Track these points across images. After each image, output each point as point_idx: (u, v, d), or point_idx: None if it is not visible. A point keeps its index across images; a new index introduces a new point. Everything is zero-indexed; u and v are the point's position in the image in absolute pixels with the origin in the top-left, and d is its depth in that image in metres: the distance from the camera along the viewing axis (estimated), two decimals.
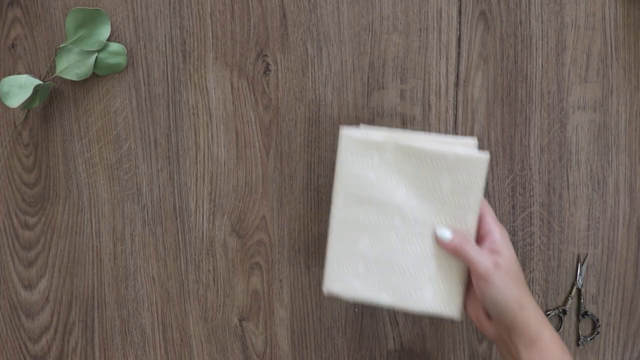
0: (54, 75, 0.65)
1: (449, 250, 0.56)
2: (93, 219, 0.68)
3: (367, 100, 0.68)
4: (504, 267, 0.53)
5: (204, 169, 0.68)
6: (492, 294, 0.52)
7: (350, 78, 0.67)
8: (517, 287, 0.53)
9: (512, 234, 0.69)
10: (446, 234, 0.56)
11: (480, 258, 0.53)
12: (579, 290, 0.70)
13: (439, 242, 0.56)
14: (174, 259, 0.69)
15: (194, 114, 0.67)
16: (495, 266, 0.53)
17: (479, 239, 0.57)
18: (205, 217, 0.69)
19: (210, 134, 0.68)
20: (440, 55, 0.67)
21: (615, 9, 0.68)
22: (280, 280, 0.69)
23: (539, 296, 0.70)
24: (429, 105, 0.67)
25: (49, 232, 0.68)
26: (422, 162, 0.56)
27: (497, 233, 0.55)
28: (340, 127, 0.60)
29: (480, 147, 0.68)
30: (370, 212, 0.57)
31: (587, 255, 0.70)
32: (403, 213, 0.57)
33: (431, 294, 0.58)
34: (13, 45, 0.67)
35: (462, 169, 0.56)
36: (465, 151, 0.56)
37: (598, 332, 0.70)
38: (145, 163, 0.68)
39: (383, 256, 0.58)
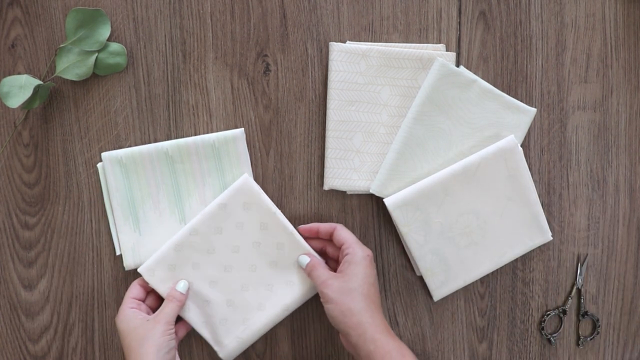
0: (54, 75, 0.65)
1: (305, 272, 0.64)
2: (93, 219, 0.68)
3: None
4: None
5: None
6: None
7: None
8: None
9: None
10: (303, 261, 0.64)
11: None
12: (579, 290, 0.70)
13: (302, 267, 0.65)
14: None
15: (194, 114, 0.67)
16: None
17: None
18: None
19: None
20: (440, 55, 0.67)
21: (615, 9, 0.68)
22: None
23: (539, 296, 0.70)
24: None
25: (49, 232, 0.68)
26: (402, 64, 0.66)
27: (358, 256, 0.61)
28: (330, 43, 0.66)
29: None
30: (360, 111, 0.66)
31: (587, 255, 0.70)
32: (388, 109, 0.66)
33: None
34: (13, 45, 0.67)
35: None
36: (435, 53, 0.66)
37: (598, 332, 0.70)
38: None
39: (375, 149, 0.66)
